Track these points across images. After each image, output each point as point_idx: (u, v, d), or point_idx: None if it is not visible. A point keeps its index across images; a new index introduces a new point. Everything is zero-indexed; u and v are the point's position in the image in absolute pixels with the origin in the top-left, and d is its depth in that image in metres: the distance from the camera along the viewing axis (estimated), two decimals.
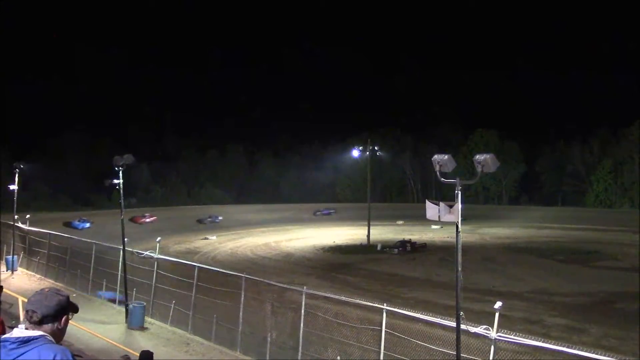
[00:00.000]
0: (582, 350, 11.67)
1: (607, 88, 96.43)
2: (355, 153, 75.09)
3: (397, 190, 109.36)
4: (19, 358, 3.50)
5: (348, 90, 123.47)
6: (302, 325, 16.96)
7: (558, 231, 70.16)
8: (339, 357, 15.68)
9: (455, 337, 11.86)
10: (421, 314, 14.42)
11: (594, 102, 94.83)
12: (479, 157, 11.38)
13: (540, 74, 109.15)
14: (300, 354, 16.91)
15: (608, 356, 11.42)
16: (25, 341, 3.58)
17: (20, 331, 3.67)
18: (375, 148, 71.10)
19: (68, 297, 3.85)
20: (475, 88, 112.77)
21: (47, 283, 29.33)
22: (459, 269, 11.53)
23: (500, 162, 12.76)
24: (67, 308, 3.80)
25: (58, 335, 3.73)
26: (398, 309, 15.20)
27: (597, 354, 11.73)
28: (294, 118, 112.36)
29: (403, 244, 56.28)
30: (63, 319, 3.77)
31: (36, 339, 3.61)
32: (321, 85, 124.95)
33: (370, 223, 62.71)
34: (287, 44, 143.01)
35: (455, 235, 11.46)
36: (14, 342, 3.56)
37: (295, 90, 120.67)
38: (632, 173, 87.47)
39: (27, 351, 3.53)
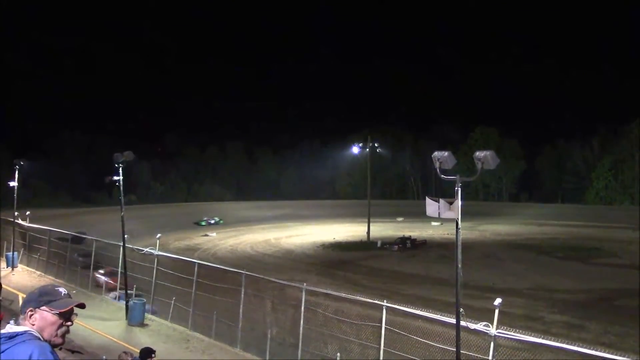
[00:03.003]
0: (581, 347, 11.69)
1: (607, 86, 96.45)
2: (356, 150, 75.18)
3: (397, 187, 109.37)
4: (1, 354, 3.47)
5: (349, 88, 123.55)
6: (302, 321, 16.99)
7: (558, 228, 70.18)
8: (338, 354, 15.70)
9: (455, 333, 11.88)
10: (421, 310, 14.42)
11: (594, 100, 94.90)
12: (479, 154, 11.39)
13: (541, 71, 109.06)
14: (300, 350, 16.94)
15: (608, 353, 11.44)
16: (11, 337, 3.55)
17: (9, 327, 3.66)
18: (376, 145, 71.10)
19: (42, 293, 3.75)
20: (475, 85, 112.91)
21: (48, 280, 29.35)
22: (459, 265, 11.55)
23: (500, 159, 12.77)
24: (34, 302, 3.70)
25: (43, 332, 3.66)
26: (398, 305, 15.21)
27: (596, 350, 11.74)
28: (294, 115, 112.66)
29: (403, 240, 56.28)
30: (35, 313, 3.68)
31: (21, 334, 3.57)
32: (321, 82, 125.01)
33: (370, 220, 62.73)
34: (288, 40, 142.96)
35: (455, 232, 11.47)
36: (1, 338, 3.54)
37: (296, 87, 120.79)
38: (632, 170, 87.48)
39: (10, 347, 3.51)
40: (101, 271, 29.51)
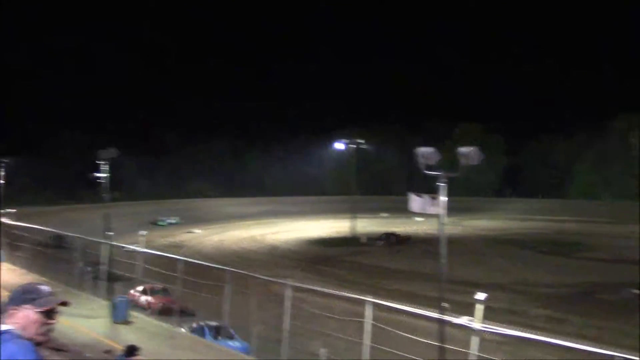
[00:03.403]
0: (564, 341, 11.83)
1: (591, 81, 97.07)
2: (341, 146, 75.38)
3: (383, 183, 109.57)
4: None
5: (334, 84, 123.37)
6: (287, 317, 17.01)
7: (541, 223, 70.82)
8: (323, 350, 15.74)
9: (439, 328, 11.96)
10: (406, 305, 14.51)
11: (578, 95, 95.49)
12: (463, 149, 11.48)
13: (525, 67, 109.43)
14: (285, 346, 16.97)
15: (589, 346, 11.58)
16: None
17: None
18: (361, 141, 71.26)
19: (24, 291, 3.73)
20: (460, 82, 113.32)
21: (32, 278, 29.11)
22: (443, 260, 11.64)
23: (484, 155, 12.88)
24: (16, 300, 3.69)
25: (26, 330, 3.65)
26: (383, 301, 15.28)
27: (579, 343, 11.88)
28: (280, 111, 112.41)
29: (388, 236, 56.54)
30: (18, 312, 3.66)
31: (3, 333, 3.56)
32: (307, 79, 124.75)
33: (356, 216, 62.87)
34: (276, 39, 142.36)
35: (439, 227, 11.56)
36: None
37: (282, 84, 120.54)
38: (615, 165, 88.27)
39: None
40: (139, 288, 25.56)
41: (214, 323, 20.68)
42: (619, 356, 10.17)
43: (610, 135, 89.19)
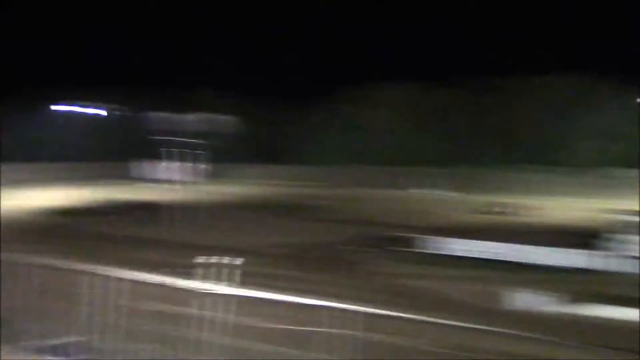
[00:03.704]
0: (304, 298, 12.02)
1: (343, 48, 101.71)
2: (89, 110, 71.68)
3: (127, 148, 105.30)
4: None
5: (88, 46, 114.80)
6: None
7: (286, 188, 74.35)
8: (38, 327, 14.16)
9: (180, 295, 11.51)
10: (134, 272, 13.59)
11: (330, 63, 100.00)
12: (208, 115, 10.97)
13: (279, 33, 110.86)
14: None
15: (329, 302, 11.88)
16: None
17: None
18: (108, 105, 68.37)
19: None
20: (210, 45, 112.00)
21: None
22: (183, 226, 11.09)
23: (233, 120, 12.52)
24: None
25: None
26: (118, 270, 14.15)
27: (322, 300, 12.15)
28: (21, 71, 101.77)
29: (134, 203, 55.13)
30: None
31: None
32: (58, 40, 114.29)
33: (97, 182, 59.92)
34: None
35: (180, 193, 10.95)
36: None
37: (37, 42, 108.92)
38: (357, 132, 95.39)
39: None
40: None
41: (68, 339, 14.13)
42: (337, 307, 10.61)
43: (351, 103, 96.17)
